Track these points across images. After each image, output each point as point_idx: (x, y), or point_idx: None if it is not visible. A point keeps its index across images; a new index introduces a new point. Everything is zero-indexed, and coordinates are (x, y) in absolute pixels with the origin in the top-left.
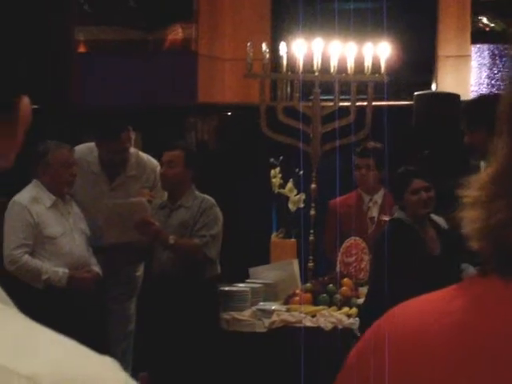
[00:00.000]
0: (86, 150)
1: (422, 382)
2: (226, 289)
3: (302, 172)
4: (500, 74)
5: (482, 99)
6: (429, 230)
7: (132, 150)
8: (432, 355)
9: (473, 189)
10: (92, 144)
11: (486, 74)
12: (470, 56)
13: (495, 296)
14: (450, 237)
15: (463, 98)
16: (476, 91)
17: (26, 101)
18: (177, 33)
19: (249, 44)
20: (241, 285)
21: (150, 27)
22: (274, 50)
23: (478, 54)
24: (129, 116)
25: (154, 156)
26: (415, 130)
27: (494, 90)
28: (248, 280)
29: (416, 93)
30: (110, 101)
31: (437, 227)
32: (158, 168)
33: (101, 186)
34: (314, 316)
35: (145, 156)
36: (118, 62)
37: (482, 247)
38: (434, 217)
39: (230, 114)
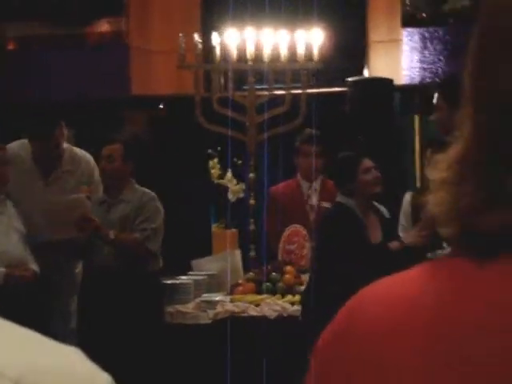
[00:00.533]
0: (19, 146)
1: (399, 368)
2: (169, 282)
3: (240, 162)
4: (431, 57)
5: (455, 78)
6: (371, 217)
7: (65, 145)
8: (409, 340)
9: (439, 169)
10: (25, 140)
11: (417, 57)
12: (401, 40)
13: (467, 277)
14: (392, 226)
15: (395, 82)
16: (408, 75)
17: None
18: (107, 26)
19: (181, 35)
20: (184, 277)
21: (79, 21)
22: (206, 40)
23: (409, 37)
24: (61, 111)
25: (88, 151)
26: (349, 116)
27: (426, 73)
28: (191, 272)
29: (349, 79)
30: (42, 97)
31: (380, 215)
32: (92, 162)
33: (36, 182)
34: (258, 305)
35: (78, 151)
36: (48, 58)
37: (449, 230)
38: (377, 205)
39: (164, 105)
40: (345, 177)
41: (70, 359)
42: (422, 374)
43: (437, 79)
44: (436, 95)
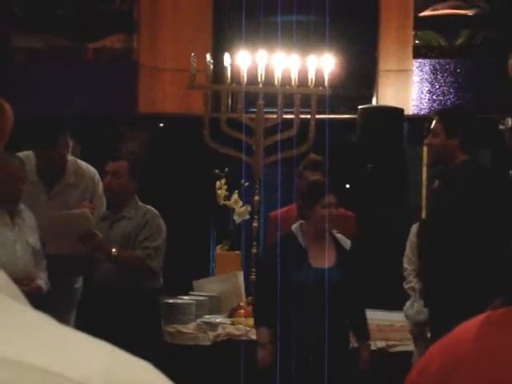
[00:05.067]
0: (22, 158)
1: None
2: (171, 301)
3: (247, 184)
4: (441, 88)
5: (459, 110)
6: (323, 243)
7: (70, 157)
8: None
9: None
10: (29, 152)
11: (427, 88)
12: (411, 70)
13: None
14: (349, 258)
15: (405, 112)
16: (417, 106)
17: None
18: (117, 42)
19: (192, 54)
20: (185, 297)
21: (90, 36)
22: (216, 61)
23: (420, 68)
24: (68, 125)
25: (93, 165)
26: (358, 144)
27: (435, 105)
28: (192, 292)
29: (360, 106)
30: (49, 110)
31: (338, 246)
32: (97, 177)
33: (39, 195)
34: None
35: (83, 164)
36: (57, 71)
37: None
38: (340, 236)
39: (171, 124)
40: (305, 202)
41: (148, 374)
42: None
43: None
44: (434, 121)
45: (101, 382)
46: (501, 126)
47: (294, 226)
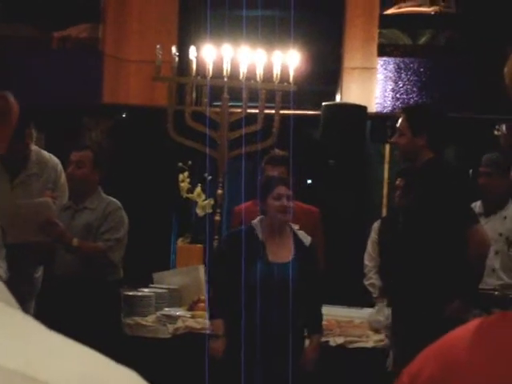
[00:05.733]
0: None
1: None
2: (130, 293)
3: (210, 177)
4: (405, 87)
5: (426, 107)
6: (282, 239)
7: (33, 147)
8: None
9: None
10: None
11: (390, 87)
12: (375, 68)
13: None
14: (307, 253)
15: (368, 110)
16: (380, 104)
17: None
18: (83, 31)
19: (158, 46)
20: (145, 290)
21: (54, 25)
22: (181, 54)
23: (384, 66)
24: (31, 114)
25: (56, 155)
26: (321, 140)
27: (398, 103)
28: (152, 285)
29: (324, 103)
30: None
31: (297, 241)
32: (60, 166)
33: (1, 184)
34: None
35: (46, 154)
36: (21, 60)
37: None
38: (299, 232)
39: (135, 115)
40: (260, 196)
41: (130, 382)
42: None
43: None
44: (400, 119)
45: None
46: (496, 132)
47: (255, 221)
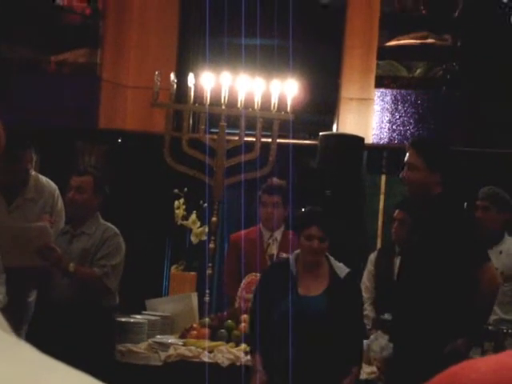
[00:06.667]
0: None
1: None
2: (123, 320)
3: (206, 204)
4: (401, 119)
5: (439, 143)
6: (317, 272)
7: (33, 172)
8: None
9: None
10: None
11: (387, 118)
12: (372, 99)
13: None
14: (340, 287)
15: (365, 141)
16: (377, 135)
17: None
18: (81, 56)
19: (157, 73)
20: (138, 316)
21: (54, 48)
22: (180, 80)
23: (381, 98)
24: (28, 137)
25: (51, 178)
26: (318, 170)
27: (394, 134)
28: (145, 312)
29: (321, 133)
30: (9, 122)
31: (333, 273)
32: (57, 192)
33: None
34: (211, 351)
35: (44, 179)
36: (18, 82)
37: None
38: (336, 263)
39: (131, 141)
40: (294, 231)
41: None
42: None
43: (405, 141)
44: (409, 153)
45: None
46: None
47: (293, 254)
